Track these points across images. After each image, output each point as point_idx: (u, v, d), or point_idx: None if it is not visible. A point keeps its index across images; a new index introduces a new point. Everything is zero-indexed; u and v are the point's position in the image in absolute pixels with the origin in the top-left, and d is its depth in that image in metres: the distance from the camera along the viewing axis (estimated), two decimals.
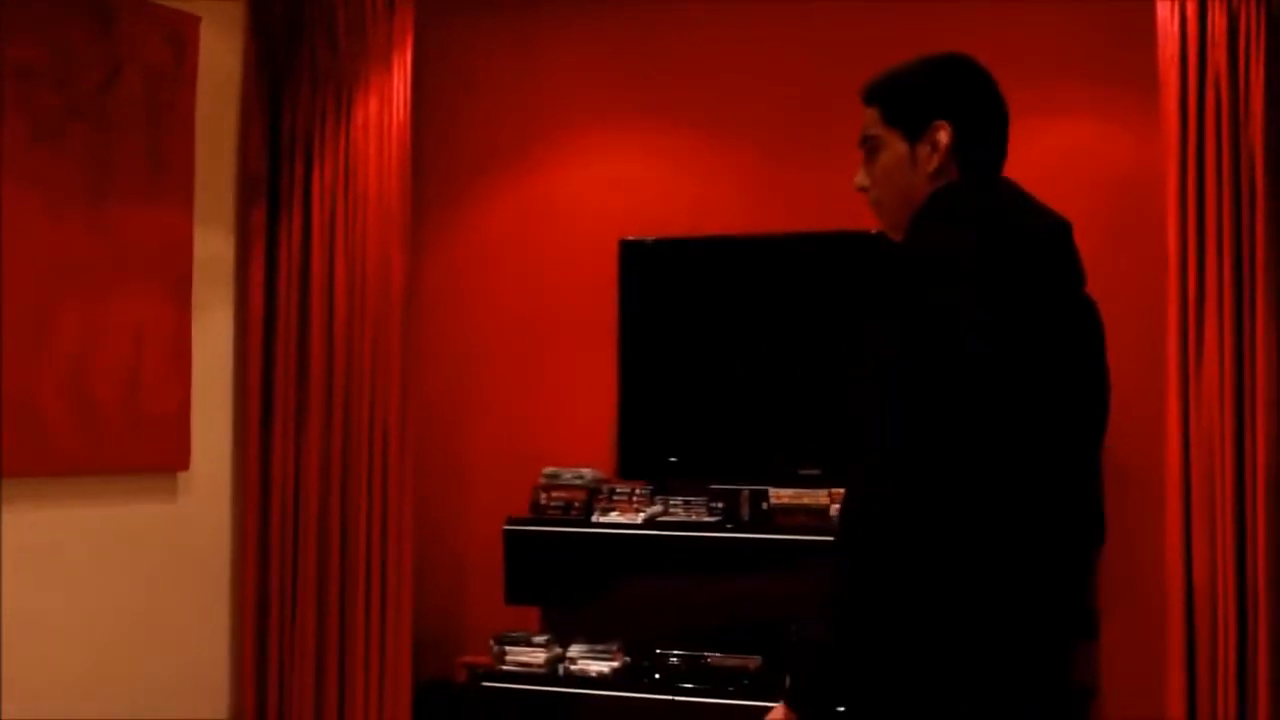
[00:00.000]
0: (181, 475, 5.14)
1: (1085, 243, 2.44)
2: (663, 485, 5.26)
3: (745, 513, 5.15)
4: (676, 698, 4.91)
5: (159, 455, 5.03)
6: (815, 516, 4.97)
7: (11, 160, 4.49)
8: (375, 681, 5.15)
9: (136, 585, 4.97)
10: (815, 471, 5.04)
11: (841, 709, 2.29)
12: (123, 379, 4.85)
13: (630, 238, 5.38)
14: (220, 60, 5.28)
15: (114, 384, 4.82)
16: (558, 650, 5.23)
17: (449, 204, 5.84)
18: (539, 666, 5.18)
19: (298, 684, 5.22)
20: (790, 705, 2.30)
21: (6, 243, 4.48)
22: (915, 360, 2.22)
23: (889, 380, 2.23)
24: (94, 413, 4.75)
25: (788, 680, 2.33)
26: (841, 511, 2.26)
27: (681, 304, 5.39)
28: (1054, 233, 2.41)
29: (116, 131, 4.82)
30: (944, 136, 2.42)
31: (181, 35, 5.04)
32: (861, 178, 2.52)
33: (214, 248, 5.26)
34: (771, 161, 5.40)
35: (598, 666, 5.14)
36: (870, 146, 2.50)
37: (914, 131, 2.44)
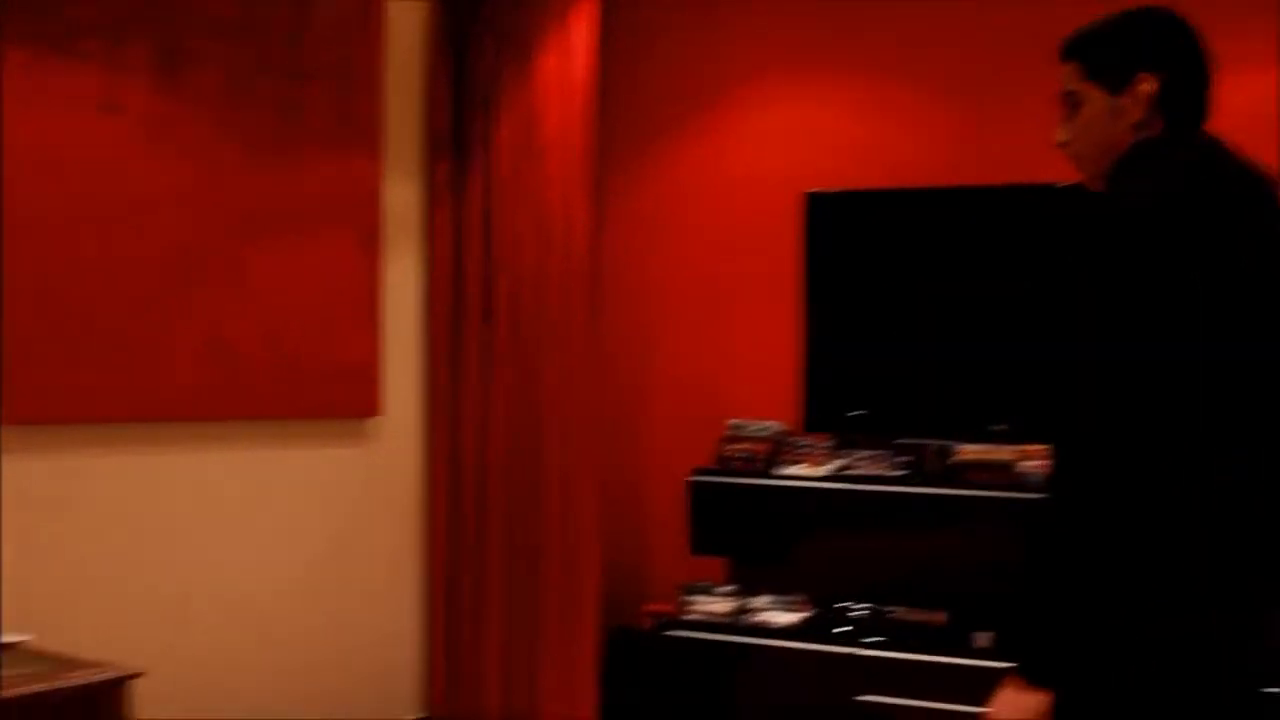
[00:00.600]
0: (372, 421, 5.26)
1: None
2: (847, 439, 5.23)
3: (931, 467, 5.09)
4: (860, 651, 4.88)
5: (351, 401, 5.15)
6: (1003, 473, 4.88)
7: (208, 111, 4.62)
8: (562, 628, 5.23)
9: (329, 528, 5.11)
10: (1004, 427, 4.95)
11: (1073, 682, 2.24)
12: (316, 326, 4.98)
13: (815, 190, 5.33)
14: (405, 14, 5.36)
15: (307, 331, 4.95)
16: (742, 601, 5.24)
17: (634, 157, 5.84)
18: (723, 616, 5.20)
19: (486, 630, 5.32)
20: (1024, 679, 2.25)
21: (205, 192, 4.62)
22: (1121, 318, 2.16)
23: (1094, 341, 2.18)
24: (289, 359, 4.88)
25: (1018, 654, 2.28)
26: (1056, 479, 2.21)
27: (867, 257, 5.32)
28: (1261, 188, 2.33)
29: (307, 84, 4.92)
30: (1147, 88, 2.36)
31: None
32: (1062, 134, 2.47)
33: (402, 199, 5.36)
34: (960, 111, 5.29)
35: (782, 618, 5.14)
36: (1071, 102, 2.45)
37: (1116, 85, 2.38)
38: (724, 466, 5.33)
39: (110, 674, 3.69)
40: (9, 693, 3.46)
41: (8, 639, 3.82)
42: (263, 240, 4.81)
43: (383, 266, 5.23)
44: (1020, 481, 4.82)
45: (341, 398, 5.11)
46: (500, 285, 5.33)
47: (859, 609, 5.04)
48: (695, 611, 5.24)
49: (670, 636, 5.21)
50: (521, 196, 5.31)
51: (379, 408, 5.24)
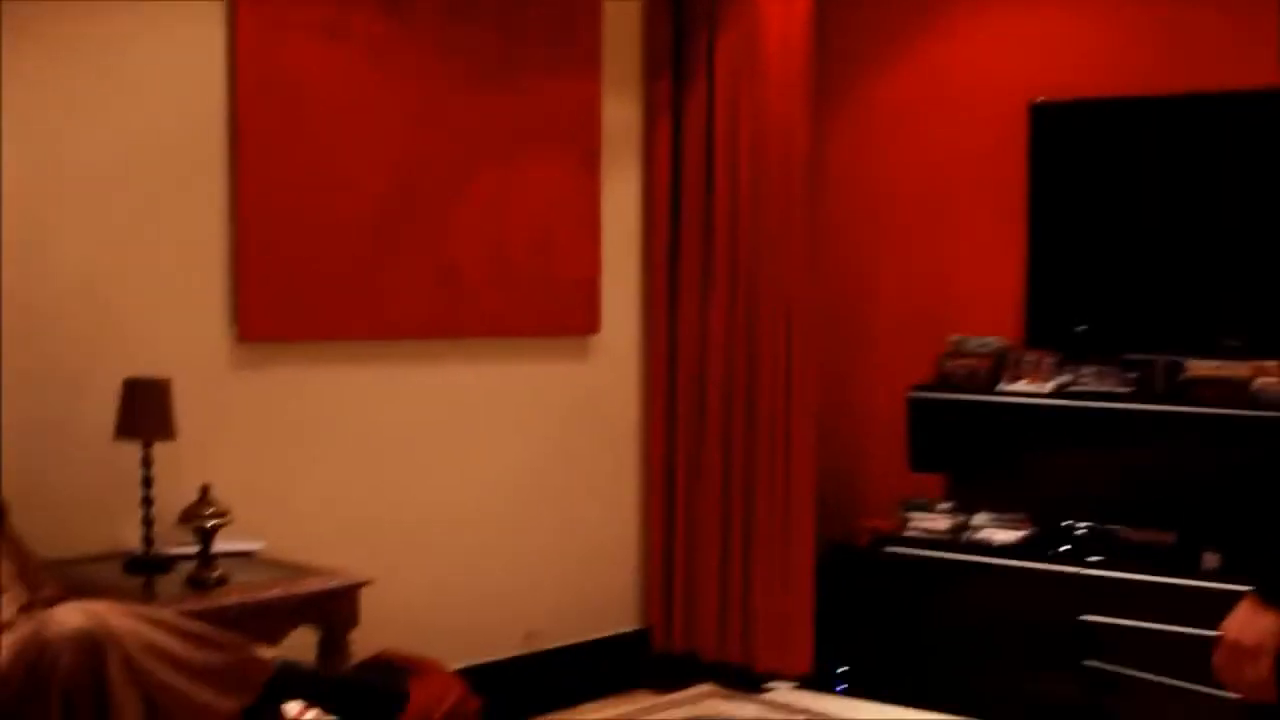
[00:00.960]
0: (592, 338, 5.34)
1: None
2: (1071, 354, 5.11)
3: (1159, 384, 4.94)
4: (1085, 570, 4.80)
5: (571, 319, 5.23)
6: (1236, 390, 4.72)
7: (431, 34, 4.70)
8: (779, 542, 5.25)
9: (550, 444, 5.21)
10: (1237, 342, 4.78)
11: None
12: (537, 245, 5.05)
13: (1041, 100, 5.19)
14: None
15: (529, 249, 5.03)
16: (961, 518, 5.20)
17: (855, 70, 5.76)
18: (942, 533, 5.17)
19: (702, 543, 5.38)
20: (1261, 600, 2.19)
21: (429, 114, 4.71)
22: None
23: None
24: (510, 277, 4.97)
25: (1256, 575, 2.22)
26: None
27: (1094, 167, 5.17)
28: None
29: (527, 5, 4.97)
30: None
31: None
32: None
33: (622, 117, 5.38)
34: (1192, 15, 5.08)
35: (1002, 535, 5.08)
36: None
37: None
38: (945, 382, 5.27)
39: (340, 582, 3.85)
40: (245, 597, 3.63)
41: (244, 547, 4.00)
42: (485, 161, 4.89)
43: (602, 185, 5.28)
44: (1255, 399, 4.66)
45: (562, 315, 5.19)
46: (720, 202, 5.32)
47: (1082, 528, 4.95)
48: (913, 528, 5.22)
49: (887, 553, 5.20)
50: (742, 113, 5.29)
51: (598, 324, 5.31)
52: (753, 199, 5.28)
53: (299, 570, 3.90)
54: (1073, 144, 5.18)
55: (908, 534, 5.21)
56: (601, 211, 5.28)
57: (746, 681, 5.24)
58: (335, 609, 3.84)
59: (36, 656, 2.70)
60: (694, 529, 5.42)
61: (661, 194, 5.43)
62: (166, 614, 2.96)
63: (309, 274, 4.44)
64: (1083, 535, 4.94)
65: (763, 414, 5.27)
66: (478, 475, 4.99)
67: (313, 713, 3.15)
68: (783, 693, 5.17)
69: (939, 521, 5.19)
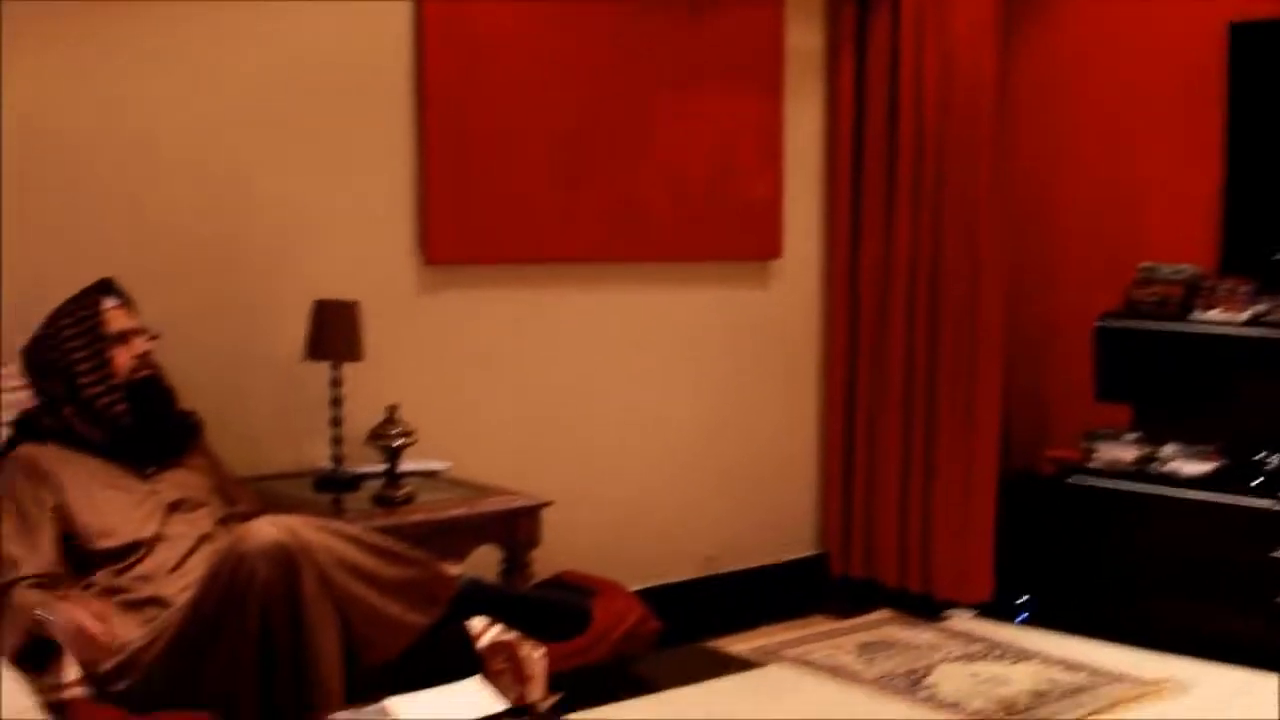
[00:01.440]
0: (773, 263, 5.32)
1: None
2: (1268, 282, 4.95)
3: None
4: (1277, 505, 4.68)
5: (751, 244, 5.22)
6: None
7: None
8: (960, 471, 5.20)
9: (728, 367, 5.23)
10: None
11: None
12: (718, 170, 5.05)
13: (1241, 20, 5.00)
14: None
15: (710, 175, 5.03)
16: (1149, 449, 5.08)
17: None
18: (1128, 464, 5.06)
19: (882, 469, 5.35)
20: None
21: (613, 41, 4.73)
22: None
23: None
24: (691, 202, 4.98)
25: None
26: None
27: None
28: None
29: None
30: None
31: None
32: None
33: (804, 44, 5.33)
34: None
35: (1191, 468, 4.96)
36: None
37: None
38: (1134, 310, 5.15)
39: (523, 502, 3.92)
40: (430, 515, 3.72)
41: (429, 466, 4.10)
42: (668, 88, 4.89)
43: (785, 113, 5.24)
44: None
45: (744, 240, 5.19)
46: (904, 128, 5.25)
47: (1275, 461, 4.81)
48: (1098, 459, 5.12)
49: (1072, 483, 5.11)
50: (928, 38, 5.19)
51: (780, 249, 5.29)
52: (938, 124, 5.19)
53: (482, 490, 3.99)
54: (1273, 64, 4.99)
55: (1092, 464, 5.12)
56: (784, 138, 5.25)
57: (925, 609, 5.22)
58: (518, 528, 3.91)
59: (235, 568, 2.80)
60: (874, 455, 5.40)
61: (845, 120, 5.37)
62: (356, 529, 3.04)
63: (493, 199, 4.50)
64: (1276, 469, 4.80)
65: (946, 339, 5.21)
66: (658, 399, 5.03)
67: (496, 628, 3.22)
68: (961, 620, 5.14)
69: (1125, 452, 5.09)
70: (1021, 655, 4.73)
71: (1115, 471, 5.06)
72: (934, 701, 4.30)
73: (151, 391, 3.36)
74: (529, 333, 4.68)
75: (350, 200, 4.25)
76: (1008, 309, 5.27)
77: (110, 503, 3.18)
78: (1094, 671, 4.56)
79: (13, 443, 3.27)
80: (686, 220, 4.98)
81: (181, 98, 3.90)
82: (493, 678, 3.02)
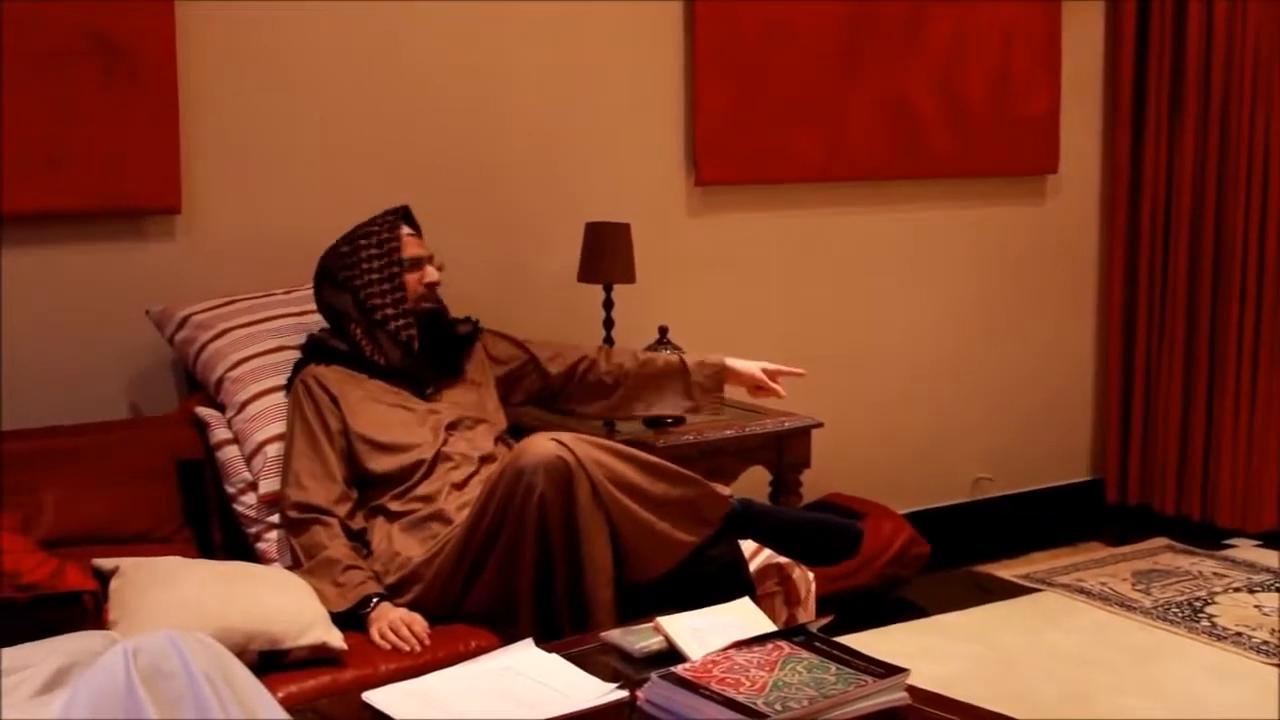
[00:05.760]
0: (1050, 178, 5.18)
1: None
2: None
3: None
4: None
5: (1028, 158, 5.09)
6: None
7: None
8: (1246, 399, 5.01)
9: (1002, 286, 5.13)
10: None
11: None
12: (993, 84, 4.92)
13: None
14: None
15: (984, 89, 4.91)
16: None
17: None
18: None
19: (1162, 394, 5.19)
20: None
21: None
22: None
23: None
24: (966, 117, 4.87)
25: None
26: None
27: None
28: None
29: None
30: None
31: None
32: None
33: None
34: None
35: None
36: None
37: None
38: None
39: (793, 423, 3.92)
40: (700, 436, 3.75)
41: None
42: (940, 1, 4.77)
43: (1063, 24, 5.06)
44: None
45: (1018, 155, 5.05)
46: (1192, 38, 5.02)
47: None
48: None
49: None
50: None
51: (1057, 163, 5.14)
52: (1227, 34, 4.95)
53: (752, 411, 3.99)
54: None
55: None
56: (1062, 51, 5.08)
57: (1204, 537, 5.06)
58: (787, 450, 3.91)
59: (513, 481, 2.87)
60: (1154, 379, 5.23)
61: (1128, 28, 5.16)
62: (628, 448, 3.08)
63: (762, 119, 4.47)
64: None
65: (1234, 260, 4.99)
66: (930, 319, 4.96)
67: (767, 551, 3.23)
68: (1246, 549, 4.96)
69: None
70: None
71: None
72: (1215, 632, 4.17)
73: (436, 322, 3.42)
74: (798, 253, 4.66)
75: (623, 123, 4.27)
76: None
77: (394, 425, 3.27)
78: None
79: (300, 364, 3.37)
80: (960, 133, 4.87)
81: (450, 25, 3.96)
82: (763, 600, 3.03)
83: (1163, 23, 5.10)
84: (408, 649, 2.87)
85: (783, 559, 3.24)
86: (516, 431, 3.47)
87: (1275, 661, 3.95)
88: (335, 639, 2.80)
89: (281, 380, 3.37)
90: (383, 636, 2.90)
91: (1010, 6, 4.92)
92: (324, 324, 3.44)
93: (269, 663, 2.71)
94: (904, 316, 4.90)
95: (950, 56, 4.81)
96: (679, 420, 3.81)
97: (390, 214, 3.43)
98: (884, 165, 4.75)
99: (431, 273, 3.40)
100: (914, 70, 4.75)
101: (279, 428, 3.30)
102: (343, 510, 3.14)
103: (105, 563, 2.86)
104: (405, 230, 3.42)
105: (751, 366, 3.62)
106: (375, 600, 2.97)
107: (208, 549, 3.23)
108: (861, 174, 4.72)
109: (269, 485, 3.26)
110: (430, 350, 3.39)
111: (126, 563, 2.86)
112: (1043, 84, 5.04)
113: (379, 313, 3.33)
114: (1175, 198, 5.12)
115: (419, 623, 2.94)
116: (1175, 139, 5.12)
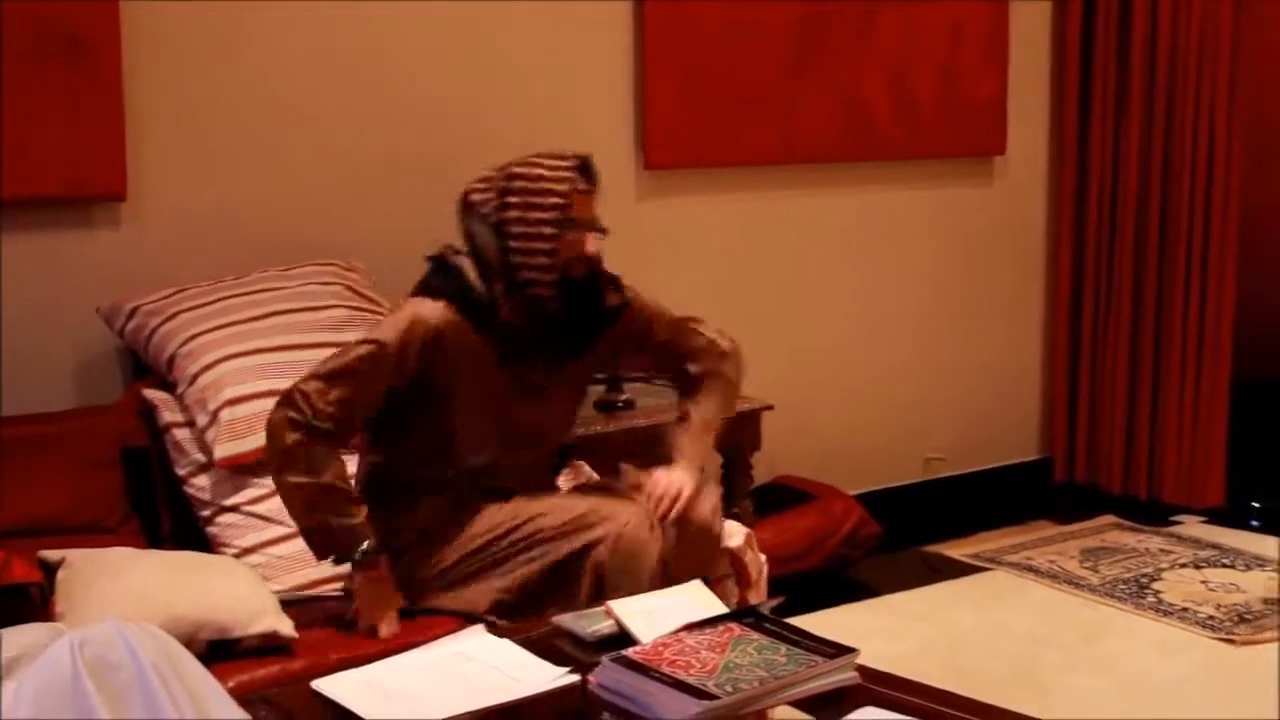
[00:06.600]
0: (998, 160, 5.21)
1: None
2: None
3: None
4: None
5: (975, 140, 5.11)
6: None
7: None
8: (1191, 377, 5.06)
9: (951, 267, 5.15)
10: None
11: None
12: (941, 75, 4.95)
13: None
14: None
15: (933, 80, 4.94)
16: None
17: None
18: None
19: (1109, 373, 5.23)
20: None
21: None
22: None
23: None
24: (915, 105, 4.89)
25: None
26: None
27: None
28: None
29: None
30: None
31: None
32: None
33: None
34: None
35: None
36: None
37: None
38: None
39: (743, 406, 3.91)
40: (652, 420, 3.74)
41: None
42: None
43: (1009, 10, 5.10)
44: None
45: (966, 137, 5.08)
46: (1136, 26, 5.05)
47: None
48: None
49: None
50: None
51: (1004, 146, 5.16)
52: (1172, 24, 4.99)
53: None
54: None
55: None
56: (1009, 44, 5.12)
57: (1150, 514, 5.10)
58: (738, 432, 3.92)
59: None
60: (1100, 358, 5.27)
61: (1074, 17, 5.19)
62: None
63: (712, 101, 4.48)
64: None
65: (1179, 241, 5.04)
66: (879, 300, 4.98)
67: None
68: (1191, 526, 5.01)
69: None
70: (1253, 562, 4.60)
71: None
72: (1162, 608, 4.21)
73: (588, 289, 3.05)
74: (749, 236, 4.67)
75: (570, 104, 4.26)
76: (1244, 212, 5.06)
77: (484, 425, 3.02)
78: None
79: (431, 288, 3.02)
80: (909, 119, 4.89)
81: (393, 12, 3.95)
82: (715, 583, 3.04)
83: (1108, 8, 5.13)
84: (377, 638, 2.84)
85: (735, 543, 3.25)
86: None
87: (1221, 636, 4.00)
88: (285, 627, 2.80)
89: (236, 349, 3.25)
90: (364, 611, 2.88)
91: (959, 5, 4.95)
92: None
93: (218, 652, 2.71)
94: (854, 299, 4.92)
95: (900, 53, 4.84)
96: (629, 404, 3.81)
97: (568, 162, 3.00)
98: (832, 148, 4.77)
99: (593, 241, 3.03)
100: (866, 66, 4.77)
101: (235, 391, 3.19)
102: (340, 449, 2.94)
103: (52, 554, 2.85)
104: (582, 185, 3.02)
105: (672, 466, 3.10)
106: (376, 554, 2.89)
107: (155, 538, 3.21)
108: (810, 157, 4.74)
109: (227, 449, 3.13)
110: (569, 322, 3.04)
111: (73, 554, 2.84)
112: (990, 75, 5.08)
113: (522, 274, 2.95)
114: (1121, 180, 5.16)
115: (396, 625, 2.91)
116: (1121, 122, 5.15)
